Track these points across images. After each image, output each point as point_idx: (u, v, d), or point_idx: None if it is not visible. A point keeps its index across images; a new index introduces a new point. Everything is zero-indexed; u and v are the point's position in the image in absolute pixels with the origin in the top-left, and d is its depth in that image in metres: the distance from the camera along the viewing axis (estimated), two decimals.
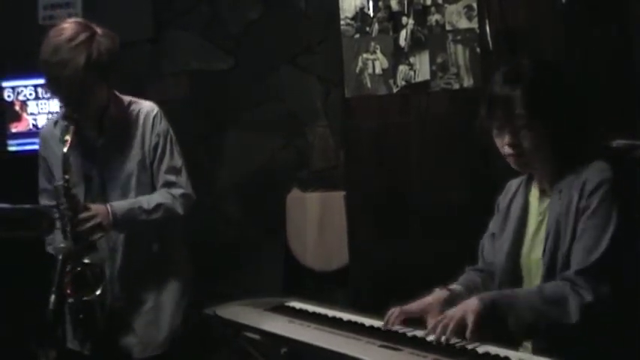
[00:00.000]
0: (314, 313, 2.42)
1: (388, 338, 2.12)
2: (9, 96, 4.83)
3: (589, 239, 2.14)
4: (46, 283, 2.57)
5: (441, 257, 3.50)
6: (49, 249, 2.98)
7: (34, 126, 4.78)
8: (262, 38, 4.74)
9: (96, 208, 2.81)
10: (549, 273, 2.20)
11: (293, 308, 2.50)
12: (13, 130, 4.85)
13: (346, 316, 2.36)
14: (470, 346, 2.03)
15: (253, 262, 4.73)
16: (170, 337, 2.98)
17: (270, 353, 2.21)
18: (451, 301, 2.30)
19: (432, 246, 3.54)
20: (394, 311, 2.25)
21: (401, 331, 2.20)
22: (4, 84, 4.82)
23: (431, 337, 2.06)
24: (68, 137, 2.77)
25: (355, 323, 2.29)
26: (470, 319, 2.02)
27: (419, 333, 2.17)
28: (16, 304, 4.10)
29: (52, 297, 2.52)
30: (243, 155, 4.80)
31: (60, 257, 2.64)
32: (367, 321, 2.30)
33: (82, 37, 2.76)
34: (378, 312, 2.38)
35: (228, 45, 4.83)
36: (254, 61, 4.76)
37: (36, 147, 4.76)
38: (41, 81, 4.65)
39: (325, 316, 2.38)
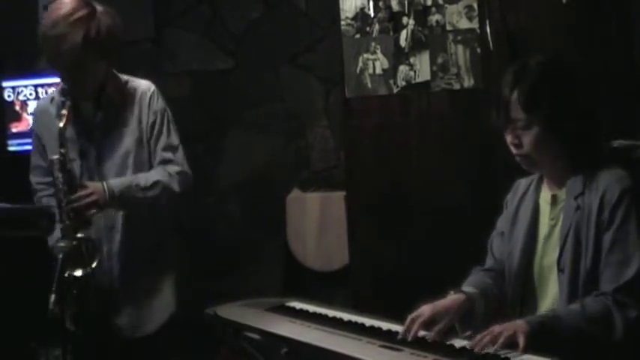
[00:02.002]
0: (314, 314, 2.42)
1: (388, 338, 2.13)
2: (9, 96, 4.83)
3: (621, 254, 2.13)
4: (47, 282, 2.57)
5: (442, 257, 3.50)
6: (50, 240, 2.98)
7: None
8: (263, 38, 4.74)
9: (92, 185, 2.81)
10: (573, 285, 2.18)
11: (293, 308, 2.50)
12: (14, 130, 4.85)
13: (346, 316, 2.36)
14: (469, 347, 2.03)
15: (253, 263, 4.73)
16: (161, 319, 2.99)
17: (270, 353, 2.21)
18: (470, 305, 2.28)
19: (433, 246, 3.54)
20: (413, 320, 2.19)
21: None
22: (5, 84, 4.81)
23: (475, 349, 2.02)
24: (65, 112, 2.77)
25: (355, 323, 2.29)
26: (521, 340, 1.99)
27: (420, 334, 2.17)
28: (16, 304, 4.10)
29: (53, 296, 2.51)
30: (244, 155, 4.80)
31: (60, 256, 2.63)
32: (367, 321, 2.30)
33: (81, 12, 2.75)
34: (378, 312, 2.38)
35: (228, 45, 4.83)
36: (254, 61, 4.76)
37: None
38: (41, 81, 4.68)
39: (325, 317, 2.39)
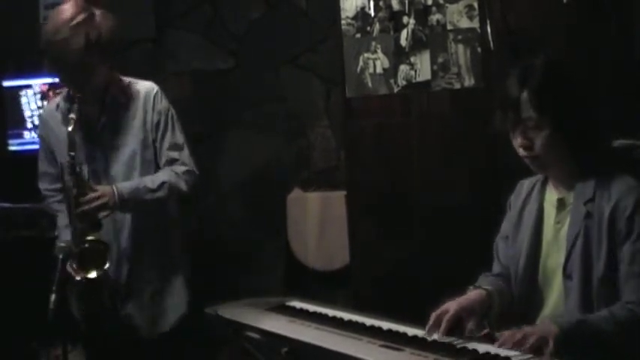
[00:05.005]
0: (315, 313, 2.42)
1: (389, 338, 2.13)
2: None
3: None
4: (47, 282, 2.57)
5: (442, 257, 3.50)
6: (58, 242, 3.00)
7: (35, 126, 4.77)
8: (263, 38, 4.74)
9: (102, 188, 2.84)
10: (585, 294, 2.17)
11: (294, 308, 2.50)
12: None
13: (347, 315, 2.37)
14: (471, 346, 2.03)
15: (254, 262, 4.73)
16: (175, 318, 3.02)
17: (271, 353, 2.21)
18: (490, 301, 2.28)
19: (434, 246, 3.54)
20: (439, 317, 2.17)
21: (402, 331, 2.20)
22: (5, 84, 4.82)
23: (505, 351, 1.98)
24: (73, 115, 2.80)
25: (356, 323, 2.29)
26: (550, 344, 1.98)
27: (420, 333, 2.17)
28: (16, 304, 4.11)
29: (53, 296, 2.52)
30: (245, 155, 4.80)
31: (60, 257, 2.65)
32: (368, 321, 2.30)
33: (81, 17, 2.80)
34: (378, 312, 2.38)
35: (229, 45, 4.83)
36: (255, 60, 4.76)
37: (37, 147, 4.79)
38: (42, 81, 4.68)
39: (326, 316, 2.39)
